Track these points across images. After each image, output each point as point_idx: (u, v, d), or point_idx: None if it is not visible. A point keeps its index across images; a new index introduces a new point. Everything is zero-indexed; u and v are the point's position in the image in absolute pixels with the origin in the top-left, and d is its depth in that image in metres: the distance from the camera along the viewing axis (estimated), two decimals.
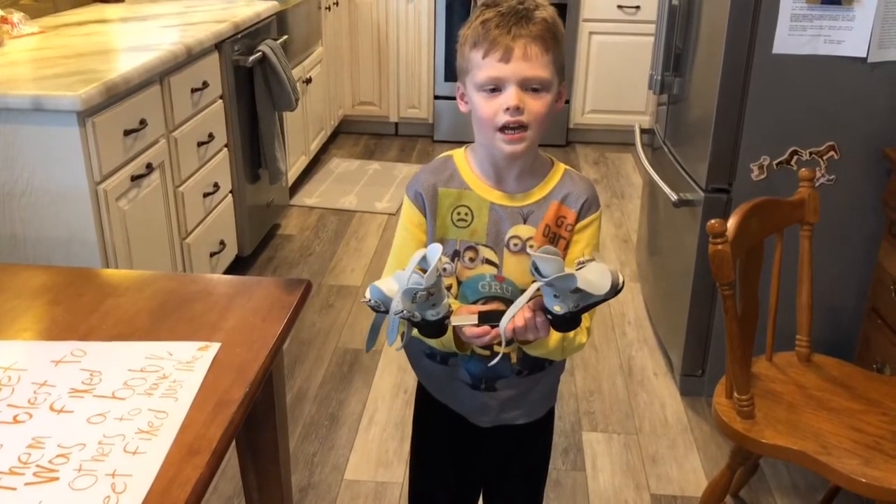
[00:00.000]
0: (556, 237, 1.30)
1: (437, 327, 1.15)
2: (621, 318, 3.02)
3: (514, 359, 1.36)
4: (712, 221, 1.56)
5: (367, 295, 1.14)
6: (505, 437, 1.47)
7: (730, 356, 1.68)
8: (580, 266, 1.10)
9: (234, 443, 1.45)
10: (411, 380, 2.48)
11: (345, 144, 4.85)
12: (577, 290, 1.08)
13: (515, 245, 1.29)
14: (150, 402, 1.06)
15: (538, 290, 1.10)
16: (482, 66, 1.20)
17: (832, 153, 2.22)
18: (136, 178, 2.23)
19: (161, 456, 0.97)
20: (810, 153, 2.23)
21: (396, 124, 5.00)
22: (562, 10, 4.49)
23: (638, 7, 4.57)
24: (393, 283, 1.12)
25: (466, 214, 1.30)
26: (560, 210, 1.29)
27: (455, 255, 1.30)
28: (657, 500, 2.13)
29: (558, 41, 1.22)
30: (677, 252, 2.61)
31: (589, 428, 2.40)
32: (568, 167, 1.34)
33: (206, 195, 2.73)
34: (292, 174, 3.88)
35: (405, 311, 1.11)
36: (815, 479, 2.17)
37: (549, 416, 1.52)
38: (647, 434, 2.38)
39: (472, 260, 1.30)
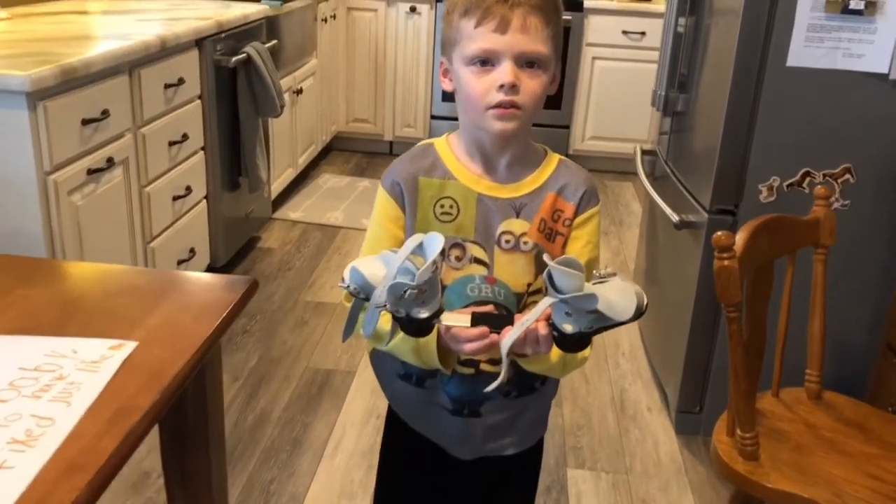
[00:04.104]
0: (553, 233, 1.14)
1: (422, 326, 0.97)
2: (615, 348, 2.83)
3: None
4: (719, 233, 1.39)
5: (345, 278, 0.95)
6: (488, 472, 1.29)
7: (733, 388, 1.49)
8: (600, 280, 0.92)
9: (162, 466, 1.27)
10: (385, 404, 2.30)
11: (336, 161, 4.69)
12: (595, 311, 0.91)
13: (507, 242, 1.13)
14: (35, 407, 0.88)
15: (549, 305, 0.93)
16: (474, 36, 1.05)
17: (848, 176, 2.06)
18: (93, 172, 2.06)
19: (32, 473, 0.78)
20: (824, 175, 2.06)
21: (391, 143, 4.85)
22: (565, 32, 4.37)
23: (643, 33, 4.45)
24: (377, 266, 0.94)
25: (451, 207, 1.13)
26: (556, 202, 1.14)
27: (439, 254, 1.13)
28: None
29: (559, 14, 1.09)
30: (677, 280, 2.44)
31: (575, 464, 2.20)
32: (563, 157, 1.18)
33: (176, 198, 2.56)
34: (277, 186, 3.72)
35: (388, 307, 0.93)
36: None
37: (539, 446, 1.33)
38: (638, 474, 2.18)
39: (458, 259, 1.13)
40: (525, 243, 1.13)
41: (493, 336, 0.98)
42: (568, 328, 0.94)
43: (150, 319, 1.08)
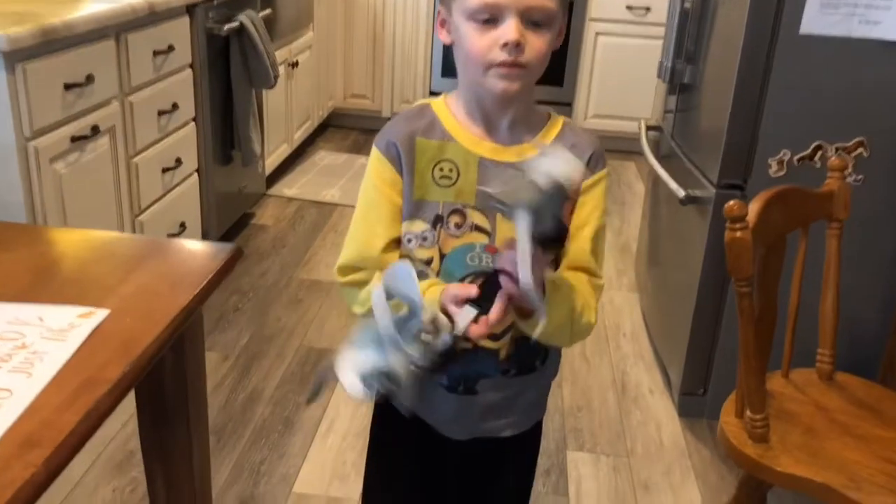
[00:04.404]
0: None
1: (450, 351, 0.91)
2: (616, 329, 2.77)
3: (502, 354, 1.10)
4: (731, 203, 1.32)
5: (353, 387, 0.88)
6: (484, 454, 1.22)
7: (744, 366, 1.42)
8: (536, 161, 0.87)
9: (140, 444, 1.20)
10: None
11: (333, 138, 4.61)
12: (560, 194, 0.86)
13: None
14: None
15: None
16: None
17: (861, 150, 1.98)
18: (77, 140, 1.98)
19: None
20: (837, 149, 1.98)
21: (389, 119, 4.76)
22: (568, 7, 4.27)
23: (648, 8, 4.34)
24: (362, 351, 0.89)
25: (451, 171, 1.06)
26: None
27: (437, 221, 1.06)
28: None
29: None
30: (682, 258, 2.36)
31: (575, 447, 2.14)
32: (568, 119, 1.11)
33: (165, 170, 2.48)
34: (272, 162, 3.63)
35: (419, 360, 0.88)
36: None
37: (538, 429, 1.27)
38: (639, 457, 2.12)
39: (458, 226, 1.06)
40: None
41: (509, 286, 0.90)
42: (544, 228, 0.88)
43: (124, 287, 1.01)
